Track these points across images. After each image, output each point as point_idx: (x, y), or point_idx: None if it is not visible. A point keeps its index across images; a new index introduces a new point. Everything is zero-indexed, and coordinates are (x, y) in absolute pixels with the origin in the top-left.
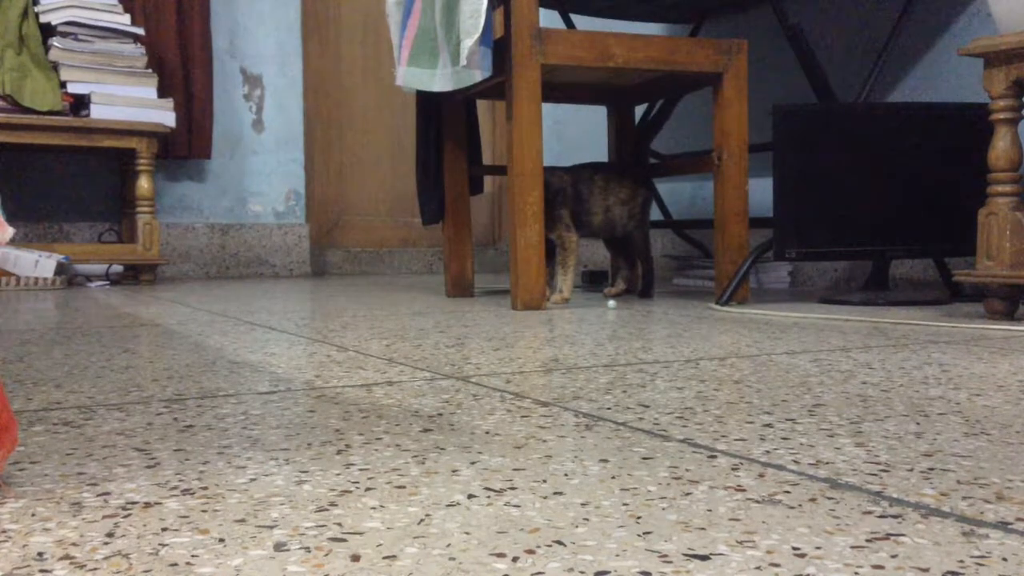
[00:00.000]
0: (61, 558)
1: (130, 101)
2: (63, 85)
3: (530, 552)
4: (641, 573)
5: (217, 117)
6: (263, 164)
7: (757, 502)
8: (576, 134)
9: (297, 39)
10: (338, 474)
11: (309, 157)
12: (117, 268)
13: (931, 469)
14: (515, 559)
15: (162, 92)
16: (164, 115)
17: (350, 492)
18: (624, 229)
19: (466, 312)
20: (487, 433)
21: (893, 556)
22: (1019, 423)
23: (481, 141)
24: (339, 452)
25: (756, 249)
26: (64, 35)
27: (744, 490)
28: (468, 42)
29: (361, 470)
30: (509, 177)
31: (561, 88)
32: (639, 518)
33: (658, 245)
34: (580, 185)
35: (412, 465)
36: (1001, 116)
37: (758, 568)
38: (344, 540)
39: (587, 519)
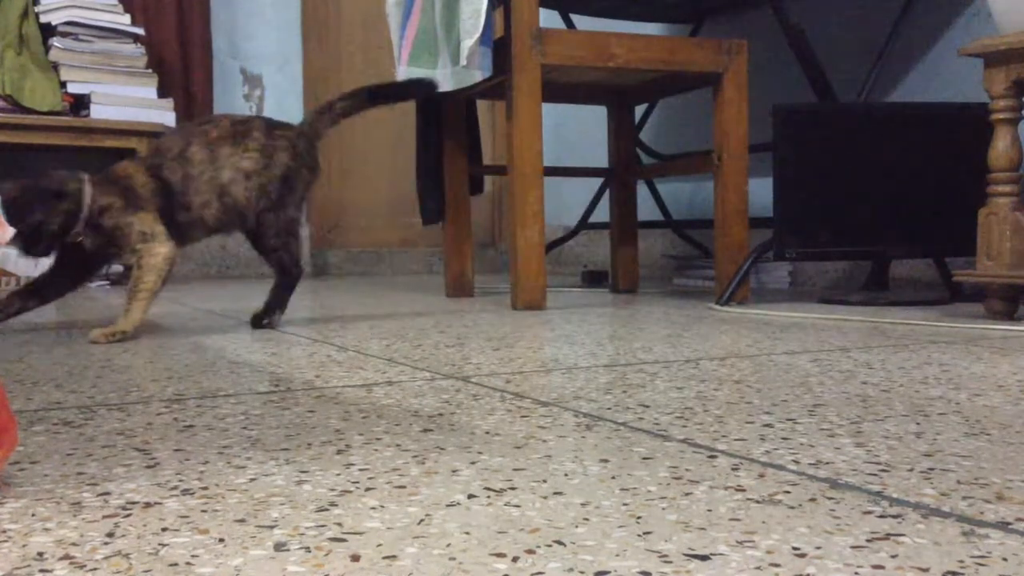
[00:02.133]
0: (61, 558)
1: (130, 101)
2: (63, 85)
3: (530, 552)
4: (641, 573)
5: None
6: None
7: (757, 502)
8: (576, 134)
9: (297, 39)
10: (338, 474)
11: None
12: (117, 268)
13: (931, 469)
14: (515, 559)
15: (162, 92)
16: (164, 115)
17: (350, 492)
18: (247, 215)
19: (466, 312)
20: (487, 433)
21: (893, 556)
22: (1019, 423)
23: (481, 141)
24: (339, 452)
25: (756, 249)
26: (64, 35)
27: (744, 490)
28: (468, 42)
29: (361, 470)
30: (509, 177)
31: (561, 88)
32: (639, 518)
33: (658, 245)
34: (162, 164)
35: (412, 465)
36: (1001, 116)
37: (758, 568)
38: (344, 540)
39: (587, 519)
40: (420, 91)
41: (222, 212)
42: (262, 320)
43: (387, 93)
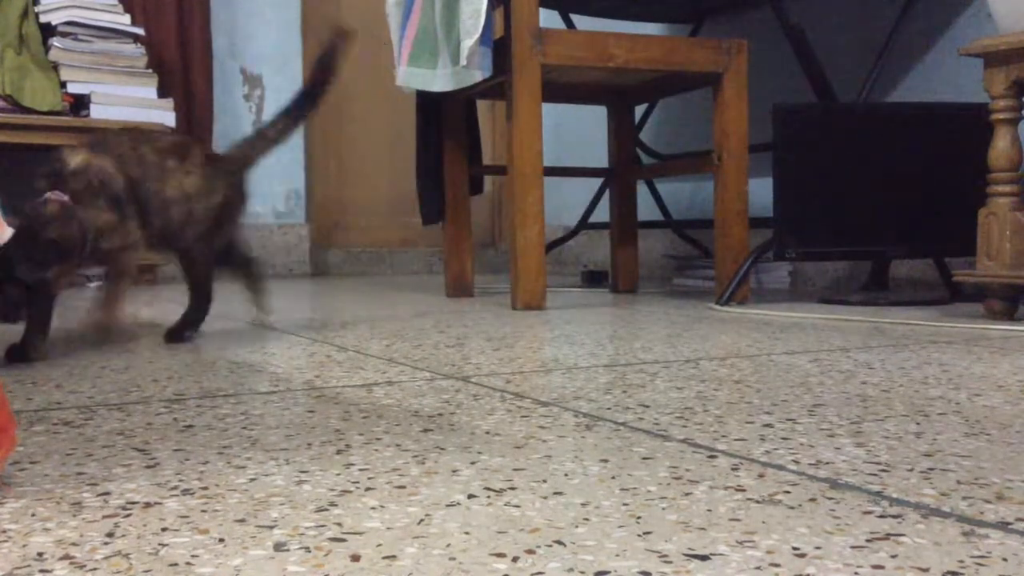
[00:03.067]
0: (61, 558)
1: (130, 101)
2: (63, 85)
3: (530, 552)
4: (641, 573)
5: (217, 117)
6: (263, 164)
7: (757, 502)
8: (576, 134)
9: (297, 39)
10: (338, 474)
11: (309, 157)
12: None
13: (931, 469)
14: (515, 559)
15: (162, 92)
16: (164, 115)
17: (350, 492)
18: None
19: (466, 312)
20: (487, 433)
21: (893, 556)
22: (1019, 423)
23: (481, 141)
24: (339, 452)
25: (756, 249)
26: (64, 35)
27: (744, 490)
28: (468, 42)
29: (361, 470)
30: (509, 177)
31: (561, 88)
32: (639, 518)
33: (658, 245)
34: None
35: (412, 465)
36: (1001, 116)
37: (758, 568)
38: (344, 540)
39: (587, 519)
40: (339, 43)
41: (161, 229)
42: (180, 334)
43: (315, 86)
